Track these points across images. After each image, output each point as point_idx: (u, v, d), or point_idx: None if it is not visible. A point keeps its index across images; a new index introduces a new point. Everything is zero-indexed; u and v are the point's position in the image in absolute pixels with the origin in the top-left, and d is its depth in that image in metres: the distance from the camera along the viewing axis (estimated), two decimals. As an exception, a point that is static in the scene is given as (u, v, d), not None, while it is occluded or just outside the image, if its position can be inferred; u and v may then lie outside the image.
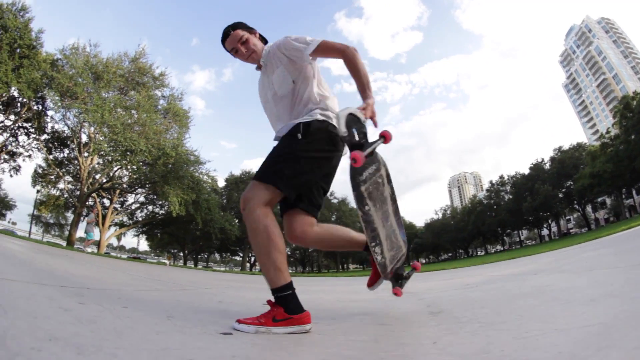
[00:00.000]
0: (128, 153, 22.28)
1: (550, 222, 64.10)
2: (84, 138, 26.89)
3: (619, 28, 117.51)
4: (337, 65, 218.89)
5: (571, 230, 74.26)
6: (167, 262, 20.79)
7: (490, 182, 70.45)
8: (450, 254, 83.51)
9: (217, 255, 75.73)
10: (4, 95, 22.25)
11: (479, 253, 78.61)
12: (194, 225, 37.74)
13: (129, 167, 24.96)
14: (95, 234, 19.40)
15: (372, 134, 2.04)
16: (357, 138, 1.92)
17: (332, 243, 2.44)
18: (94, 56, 24.88)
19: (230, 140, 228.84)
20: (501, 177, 68.03)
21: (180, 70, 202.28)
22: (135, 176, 27.62)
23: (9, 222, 51.51)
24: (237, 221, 47.08)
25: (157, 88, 28.03)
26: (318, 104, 2.20)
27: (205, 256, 70.67)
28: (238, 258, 67.07)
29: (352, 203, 53.14)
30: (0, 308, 1.39)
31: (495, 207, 65.59)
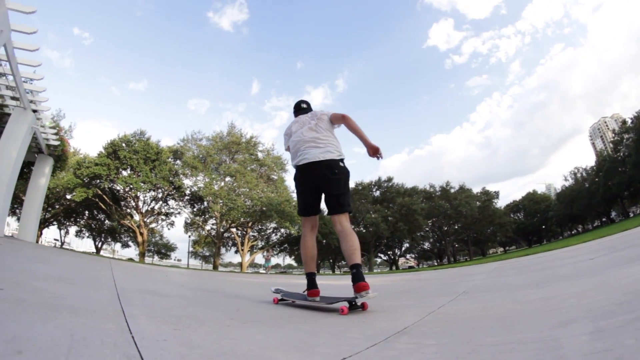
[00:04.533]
0: (231, 210, 31.71)
1: None
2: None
3: None
4: (444, 40, 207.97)
5: None
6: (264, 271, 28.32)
7: (613, 130, 57.83)
8: (599, 222, 66.81)
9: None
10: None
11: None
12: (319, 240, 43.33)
13: (233, 217, 33.90)
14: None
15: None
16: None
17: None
18: (199, 139, 36.30)
19: (362, 145, 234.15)
20: (624, 122, 53.24)
21: (296, 95, 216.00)
22: (242, 219, 36.38)
23: (174, 259, 62.95)
24: (353, 227, 51.71)
25: (251, 149, 36.95)
26: None
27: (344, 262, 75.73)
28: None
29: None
30: None
31: (626, 158, 49.36)
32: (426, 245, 67.41)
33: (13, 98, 12.08)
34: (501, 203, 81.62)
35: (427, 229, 60.38)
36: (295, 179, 3.64)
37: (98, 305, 2.26)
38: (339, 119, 3.73)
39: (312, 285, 3.42)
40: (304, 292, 3.48)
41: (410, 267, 66.04)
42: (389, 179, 58.79)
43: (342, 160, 3.53)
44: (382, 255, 65.68)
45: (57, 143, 16.10)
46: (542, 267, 6.39)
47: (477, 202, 57.15)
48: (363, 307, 3.07)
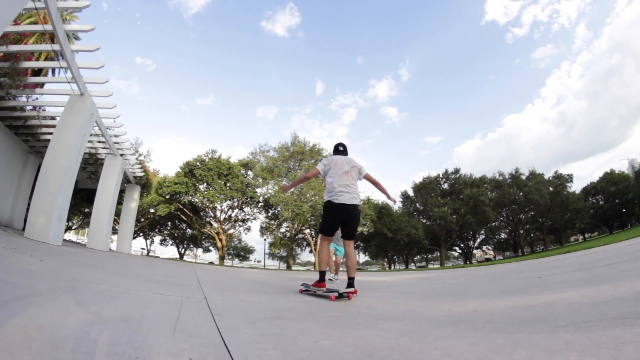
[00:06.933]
0: (298, 215, 34.40)
1: None
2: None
3: None
4: (502, 13, 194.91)
5: None
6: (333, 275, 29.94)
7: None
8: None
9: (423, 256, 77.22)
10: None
11: None
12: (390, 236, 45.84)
13: (301, 221, 36.55)
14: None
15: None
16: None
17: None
18: (267, 151, 40.20)
19: (434, 134, 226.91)
20: None
21: (361, 90, 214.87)
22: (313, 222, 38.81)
23: (254, 261, 67.45)
24: (424, 222, 52.05)
25: (315, 156, 39.66)
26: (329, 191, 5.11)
27: (422, 257, 75.58)
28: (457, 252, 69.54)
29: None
30: None
31: None
32: (502, 235, 65.12)
33: (104, 148, 15.31)
34: (581, 184, 74.10)
35: (502, 218, 58.59)
36: (328, 209, 5.06)
37: (190, 284, 5.02)
38: (372, 181, 5.43)
39: (322, 279, 5.00)
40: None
41: (487, 260, 64.12)
42: (456, 171, 57.98)
43: (359, 204, 5.10)
44: (456, 249, 65.10)
45: (142, 174, 19.44)
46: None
47: (550, 188, 53.70)
48: (348, 297, 4.56)
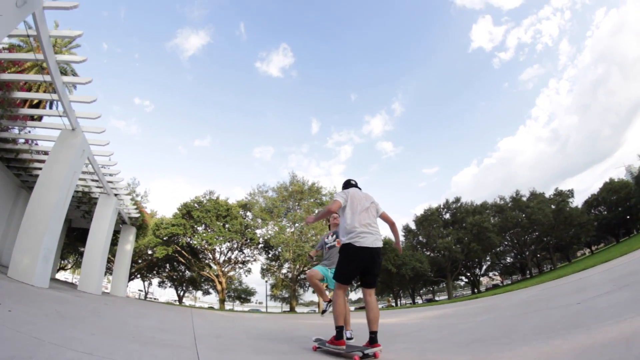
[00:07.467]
0: (299, 255, 34.12)
1: None
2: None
3: None
4: (487, 39, 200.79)
5: None
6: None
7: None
8: None
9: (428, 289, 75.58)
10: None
11: None
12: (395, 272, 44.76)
13: (300, 261, 36.21)
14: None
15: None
16: None
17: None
18: (265, 191, 39.88)
19: (431, 165, 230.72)
20: None
21: (356, 127, 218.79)
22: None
23: (255, 303, 65.16)
24: (428, 254, 51.05)
25: (314, 195, 39.67)
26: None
27: (428, 289, 74.00)
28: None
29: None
30: None
31: None
32: (508, 259, 63.61)
33: (98, 187, 14.79)
34: (582, 197, 73.84)
35: (507, 242, 57.66)
36: (347, 253, 4.24)
37: (183, 342, 4.31)
38: (388, 221, 4.76)
39: (340, 336, 4.15)
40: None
41: (495, 286, 62.89)
42: (457, 200, 57.76)
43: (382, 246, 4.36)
44: (463, 278, 63.73)
45: (137, 215, 18.78)
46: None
47: (552, 206, 53.08)
48: (374, 355, 3.76)
